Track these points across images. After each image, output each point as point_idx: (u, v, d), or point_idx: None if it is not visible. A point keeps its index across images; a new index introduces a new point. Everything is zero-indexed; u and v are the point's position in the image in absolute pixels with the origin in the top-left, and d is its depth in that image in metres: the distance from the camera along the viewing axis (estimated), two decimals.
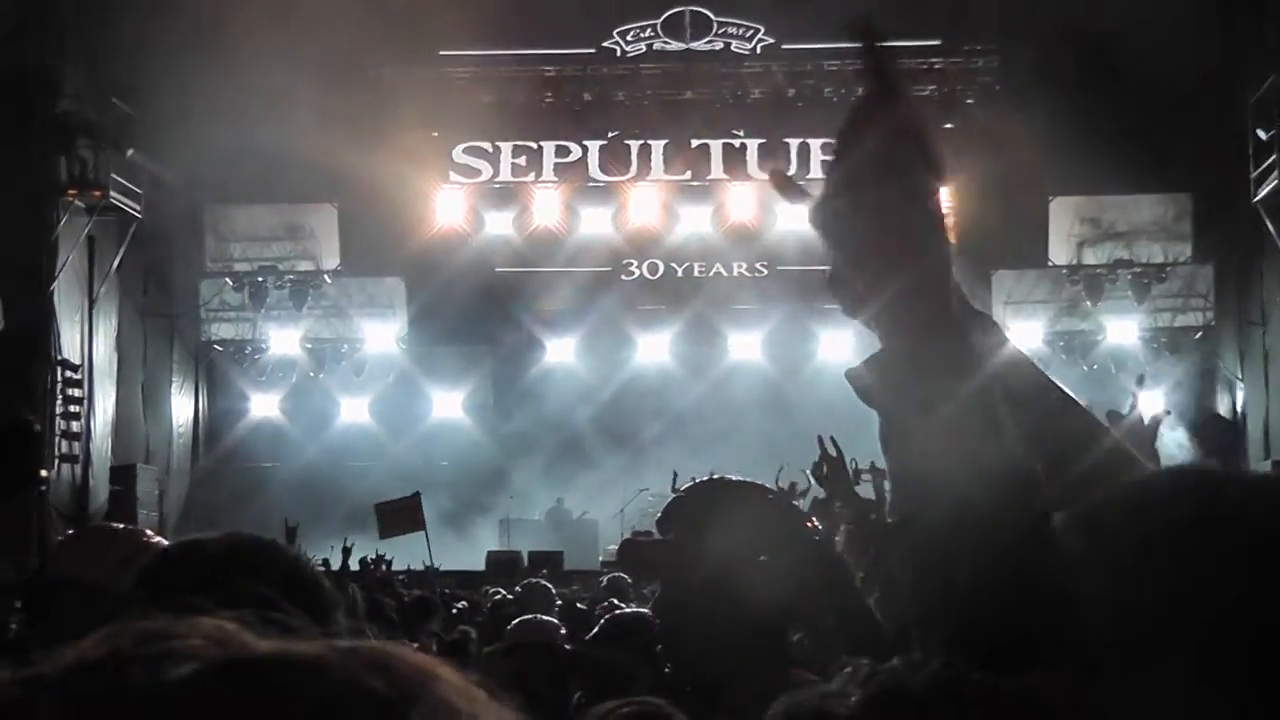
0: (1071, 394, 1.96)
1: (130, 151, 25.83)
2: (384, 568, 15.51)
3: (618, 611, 4.60)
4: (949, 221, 1.64)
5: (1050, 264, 28.64)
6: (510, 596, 11.90)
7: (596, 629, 4.50)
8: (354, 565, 15.24)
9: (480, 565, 22.50)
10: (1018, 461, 1.50)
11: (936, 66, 29.02)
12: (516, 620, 7.16)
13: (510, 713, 0.82)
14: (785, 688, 3.01)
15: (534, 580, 11.64)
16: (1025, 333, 28.22)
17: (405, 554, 18.74)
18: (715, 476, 3.31)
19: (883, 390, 1.59)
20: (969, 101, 29.06)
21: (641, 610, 4.63)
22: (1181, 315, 28.54)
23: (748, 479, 3.26)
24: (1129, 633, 1.34)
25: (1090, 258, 28.51)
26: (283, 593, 2.07)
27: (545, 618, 6.99)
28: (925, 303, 1.60)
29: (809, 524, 3.24)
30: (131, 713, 0.72)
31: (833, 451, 5.41)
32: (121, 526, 3.87)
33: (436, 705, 0.77)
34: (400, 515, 18.89)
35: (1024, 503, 1.46)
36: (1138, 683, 1.29)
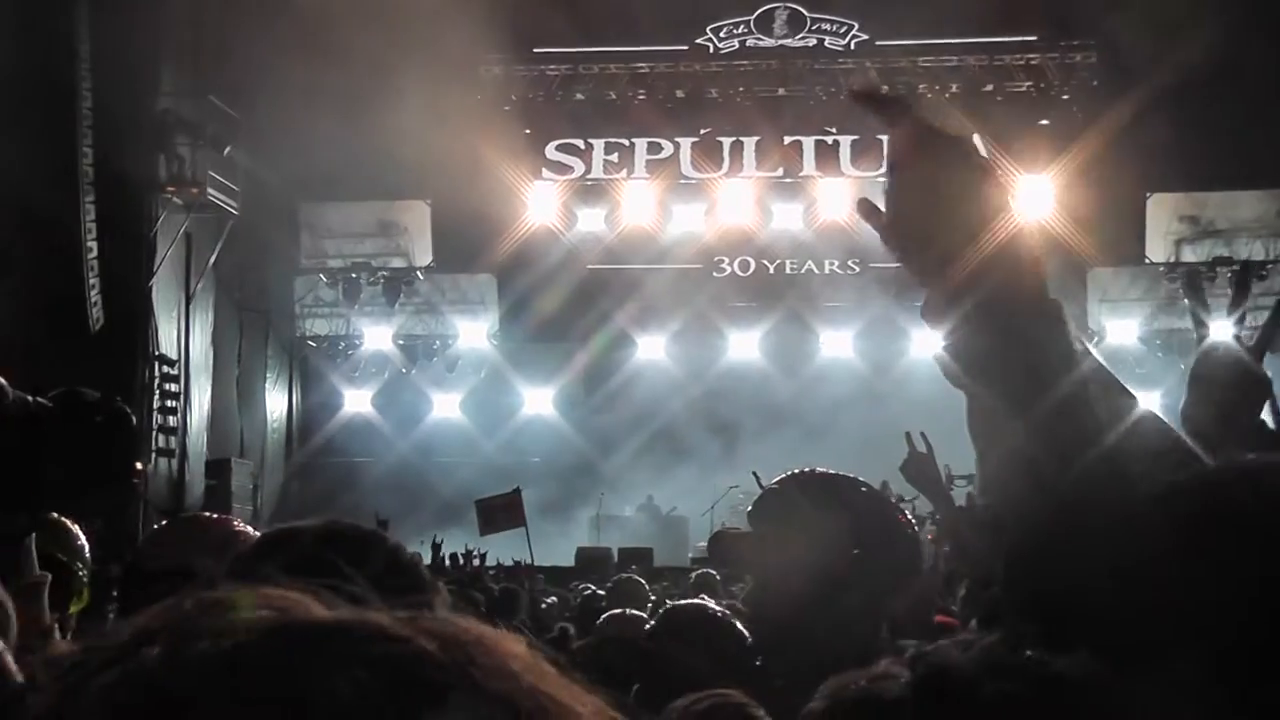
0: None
1: (228, 149, 26.12)
2: (476, 562, 15.54)
3: (675, 604, 4.55)
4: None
5: (1147, 261, 28.28)
6: (600, 592, 11.89)
7: (653, 622, 4.45)
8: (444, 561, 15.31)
9: (571, 561, 22.55)
10: (1108, 453, 1.48)
11: (1034, 63, 28.77)
12: (606, 615, 7.15)
13: (568, 681, 0.82)
14: None
15: (626, 576, 11.62)
16: (1121, 331, 27.98)
17: (501, 550, 18.81)
18: (806, 469, 3.25)
19: (978, 370, 1.57)
20: (1065, 98, 28.77)
21: (700, 602, 4.58)
22: None
23: (839, 471, 3.21)
24: (1167, 620, 1.33)
25: (1189, 255, 28.12)
26: (379, 580, 2.05)
27: (635, 612, 6.95)
28: (1014, 286, 1.60)
29: (902, 517, 3.18)
30: (190, 675, 0.73)
31: (921, 447, 5.34)
32: (213, 516, 3.90)
33: (493, 670, 0.78)
34: (501, 512, 18.94)
35: (1114, 494, 1.44)
36: (1168, 672, 1.28)
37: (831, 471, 3.22)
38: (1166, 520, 1.41)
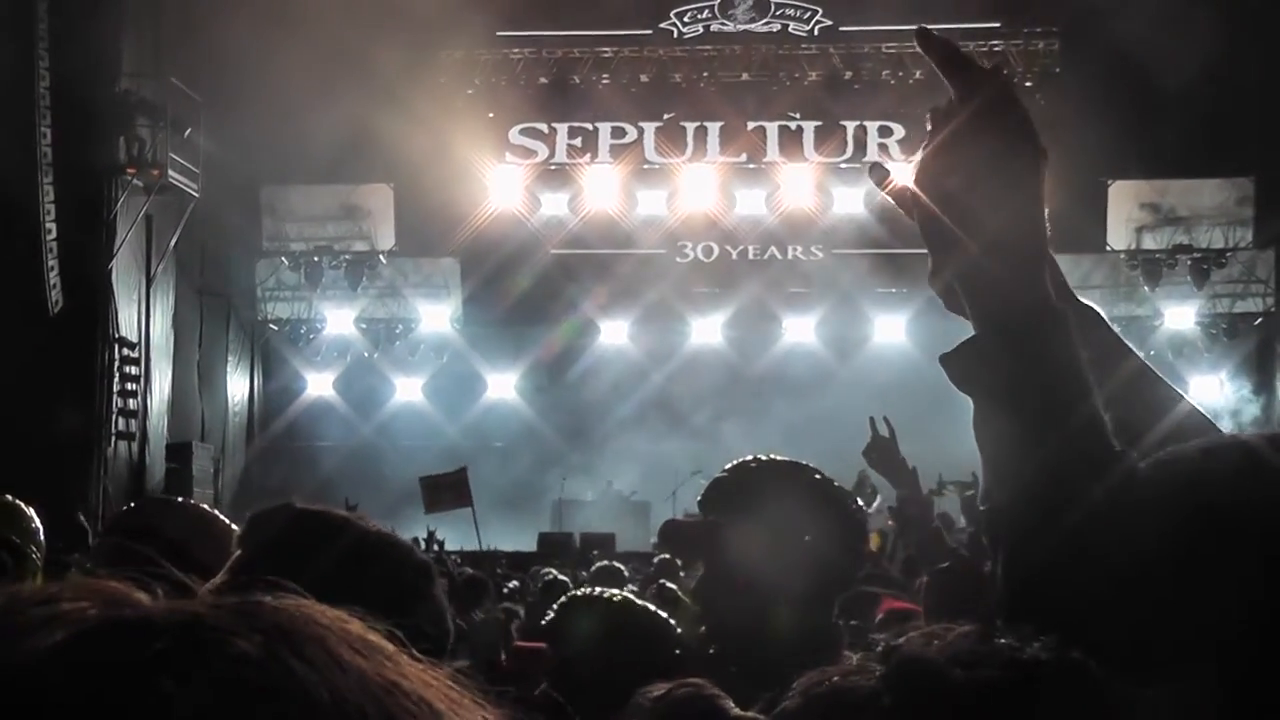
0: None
1: (189, 131, 25.95)
2: (435, 547, 15.53)
3: (572, 594, 4.50)
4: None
5: (1109, 249, 28.41)
6: (562, 578, 11.89)
7: (550, 615, 4.38)
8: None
9: (532, 546, 22.55)
10: (1119, 455, 1.48)
11: (996, 49, 28.81)
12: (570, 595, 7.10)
13: (397, 650, 0.77)
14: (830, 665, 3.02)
15: (606, 564, 11.62)
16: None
17: (461, 533, 18.81)
18: (757, 456, 3.25)
19: (978, 377, 1.53)
20: (1028, 84, 28.81)
21: (594, 593, 4.52)
22: (1241, 301, 28.28)
23: (791, 458, 3.21)
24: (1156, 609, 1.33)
25: (1149, 243, 28.28)
26: (347, 571, 2.03)
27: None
28: (1024, 280, 1.55)
29: (854, 504, 3.19)
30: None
31: (884, 432, 5.35)
32: (189, 500, 3.87)
33: (323, 662, 0.71)
34: (446, 490, 18.89)
35: (1119, 493, 1.43)
36: (1152, 670, 1.28)
37: (782, 458, 3.22)
38: (1137, 497, 1.41)
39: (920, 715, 1.13)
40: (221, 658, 0.70)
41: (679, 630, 4.06)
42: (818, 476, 3.16)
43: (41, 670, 0.68)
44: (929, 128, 1.71)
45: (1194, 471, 1.43)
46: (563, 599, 4.32)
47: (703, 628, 3.17)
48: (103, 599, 0.74)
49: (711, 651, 3.13)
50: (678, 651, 3.98)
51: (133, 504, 4.26)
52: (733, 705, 2.35)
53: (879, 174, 1.76)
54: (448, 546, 16.92)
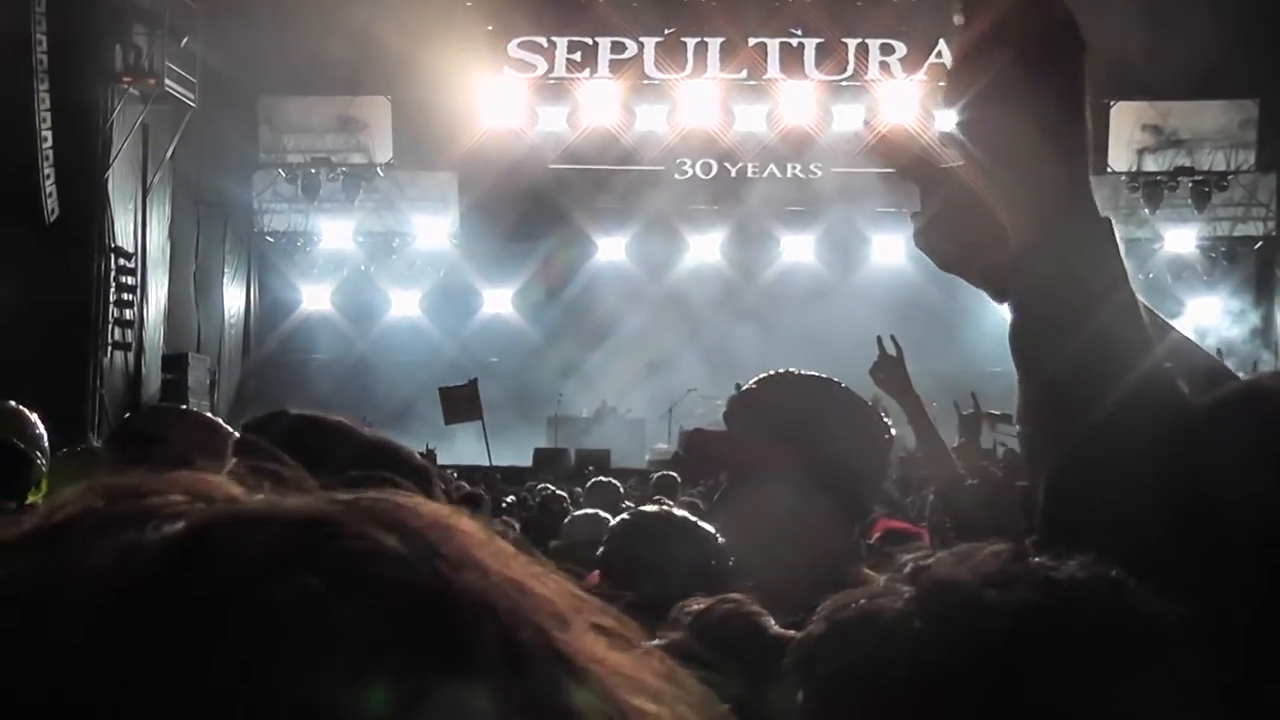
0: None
1: (186, 40, 25.77)
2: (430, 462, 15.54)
3: (637, 509, 4.50)
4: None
5: (1109, 170, 28.27)
6: (560, 493, 11.91)
7: (614, 526, 4.38)
8: None
9: (527, 461, 22.60)
10: (1163, 371, 1.45)
11: None
12: (578, 514, 7.09)
13: (532, 563, 0.73)
14: (854, 585, 2.99)
15: (603, 479, 11.58)
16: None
17: (457, 450, 18.83)
18: (783, 370, 3.23)
19: (1028, 287, 1.49)
20: None
21: (663, 508, 4.53)
22: (1241, 224, 28.24)
23: (819, 373, 3.19)
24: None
25: (1151, 165, 28.18)
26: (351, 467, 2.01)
27: (604, 514, 6.89)
28: (1076, 185, 1.53)
29: (880, 419, 3.16)
30: (105, 580, 0.63)
31: (891, 351, 5.32)
32: (183, 407, 3.87)
33: (459, 562, 0.68)
34: (463, 402, 18.92)
35: (1169, 412, 1.41)
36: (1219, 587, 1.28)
37: (808, 372, 3.18)
38: (1217, 434, 1.39)
39: (953, 638, 1.11)
40: (362, 554, 0.66)
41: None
42: (841, 391, 3.12)
43: (159, 564, 0.64)
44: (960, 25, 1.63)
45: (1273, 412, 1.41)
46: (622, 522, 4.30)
47: (723, 540, 3.15)
48: (195, 492, 0.69)
49: (731, 564, 3.09)
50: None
51: (137, 411, 4.24)
52: (772, 621, 2.34)
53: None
54: (452, 460, 16.92)
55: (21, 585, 0.63)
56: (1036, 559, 1.16)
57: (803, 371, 3.18)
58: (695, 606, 2.44)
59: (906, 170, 1.60)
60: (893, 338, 5.32)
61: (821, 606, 1.23)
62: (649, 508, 4.50)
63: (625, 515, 4.42)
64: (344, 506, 0.69)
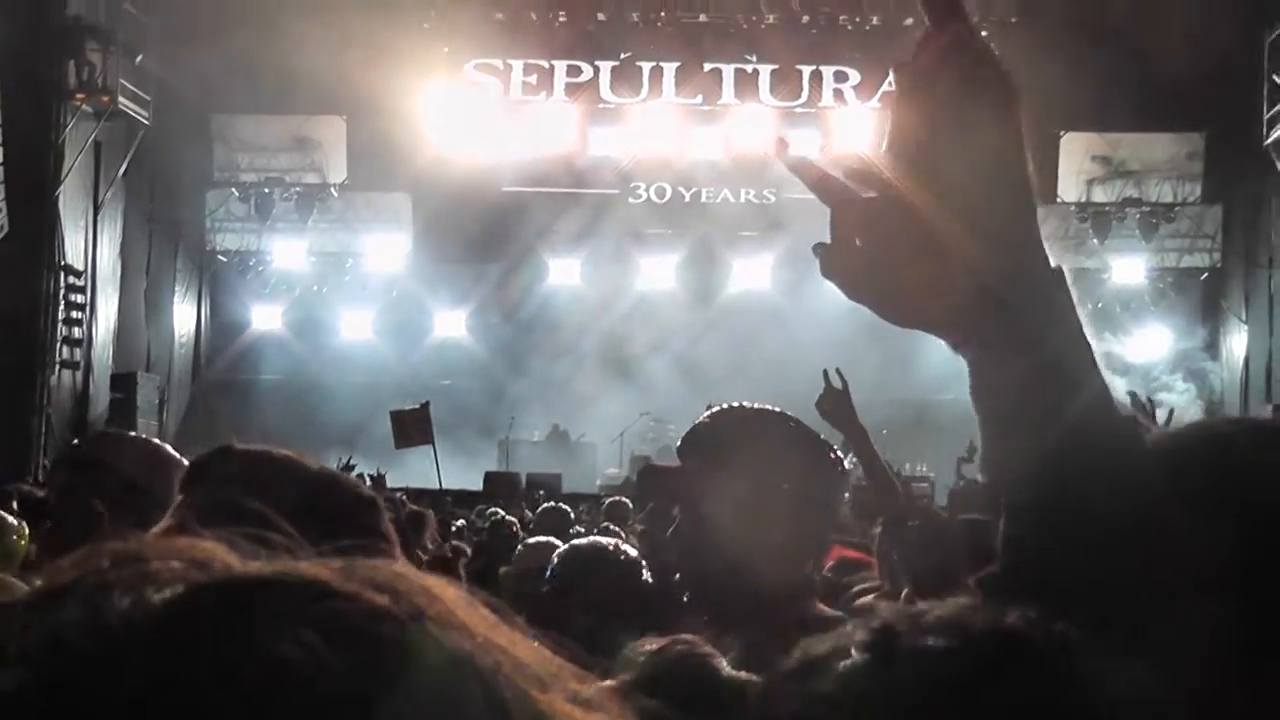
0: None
1: (140, 58, 25.69)
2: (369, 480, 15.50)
3: (573, 543, 4.58)
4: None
5: (1059, 200, 28.51)
6: (509, 518, 11.90)
7: (553, 563, 4.45)
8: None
9: (478, 484, 22.56)
10: (1114, 403, 1.45)
11: None
12: (531, 542, 7.11)
13: (518, 632, 0.78)
14: (805, 618, 2.99)
15: (551, 505, 11.60)
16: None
17: (407, 474, 18.76)
18: (736, 404, 3.25)
19: (985, 342, 1.48)
20: (984, 34, 28.71)
21: (596, 540, 4.60)
22: (1188, 255, 28.51)
23: (770, 406, 3.22)
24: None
25: (1100, 195, 28.43)
26: (309, 517, 2.01)
27: (555, 541, 6.93)
28: (1022, 235, 1.50)
29: (833, 453, 3.19)
30: (109, 642, 0.66)
31: (837, 384, 5.36)
32: (130, 434, 3.87)
33: (446, 624, 0.72)
34: (413, 425, 18.84)
35: (1123, 446, 1.42)
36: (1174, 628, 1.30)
37: (761, 406, 3.20)
38: (1174, 474, 1.41)
39: (907, 686, 1.13)
40: (358, 614, 0.69)
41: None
42: (795, 425, 3.15)
43: (159, 625, 0.67)
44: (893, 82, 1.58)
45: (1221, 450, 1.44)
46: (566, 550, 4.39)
47: (677, 575, 3.18)
48: (193, 558, 0.72)
49: (685, 599, 3.13)
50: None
51: (85, 435, 4.25)
52: (725, 664, 2.36)
53: (780, 147, 1.66)
54: (402, 482, 16.85)
55: (32, 646, 0.66)
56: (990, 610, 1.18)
57: (755, 405, 3.21)
58: (648, 647, 2.46)
59: (817, 186, 1.57)
60: (838, 371, 5.36)
61: (795, 649, 1.25)
62: (581, 540, 4.56)
63: (563, 547, 4.47)
64: (338, 571, 0.73)
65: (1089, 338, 1.47)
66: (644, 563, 4.34)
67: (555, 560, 4.42)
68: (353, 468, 11.24)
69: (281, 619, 0.67)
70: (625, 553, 4.38)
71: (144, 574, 0.70)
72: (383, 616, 0.70)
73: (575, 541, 4.64)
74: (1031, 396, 1.42)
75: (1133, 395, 5.59)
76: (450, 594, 0.75)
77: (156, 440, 3.80)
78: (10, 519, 5.92)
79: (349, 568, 0.74)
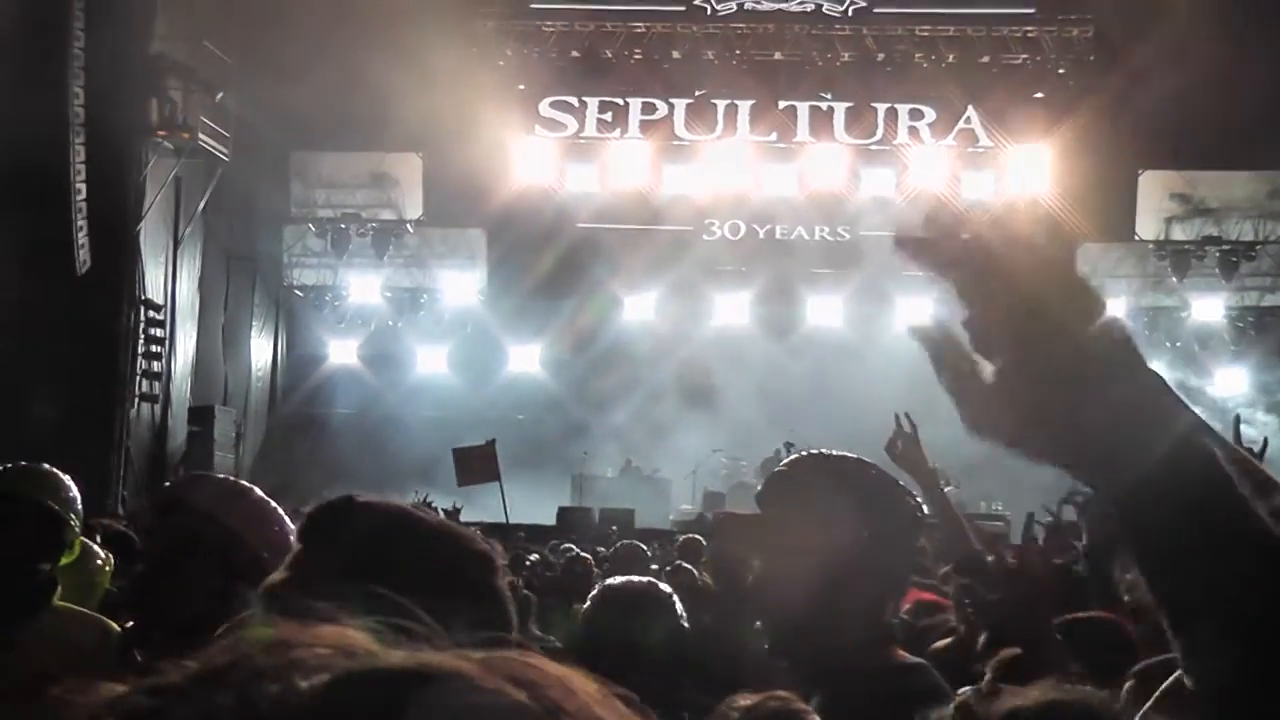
0: None
1: (220, 95, 25.99)
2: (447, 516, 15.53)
3: (614, 582, 4.53)
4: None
5: (1137, 238, 28.31)
6: (583, 555, 11.88)
7: (590, 600, 4.42)
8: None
9: (552, 520, 22.57)
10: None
11: (1030, 35, 28.71)
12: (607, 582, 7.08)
13: (627, 707, 0.79)
14: (886, 666, 3.02)
15: (627, 542, 11.56)
16: (1108, 307, 28.02)
17: (478, 509, 18.80)
18: (816, 451, 3.25)
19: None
20: (1061, 71, 28.71)
21: (647, 580, 4.56)
22: (1270, 295, 28.18)
23: (848, 453, 3.20)
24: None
25: (1179, 233, 28.16)
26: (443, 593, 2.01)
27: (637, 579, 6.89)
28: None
29: (911, 499, 3.18)
30: None
31: (907, 428, 5.32)
32: (247, 483, 3.90)
33: (580, 717, 0.74)
34: (477, 462, 18.86)
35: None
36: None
37: (841, 453, 3.19)
38: None
39: None
40: (495, 708, 0.72)
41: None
42: (875, 472, 3.14)
43: (318, 711, 0.70)
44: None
45: None
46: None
47: (758, 623, 3.17)
48: (338, 646, 0.74)
49: (766, 647, 3.12)
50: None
51: (188, 478, 4.30)
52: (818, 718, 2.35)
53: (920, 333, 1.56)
54: (473, 516, 16.87)
55: (221, 715, 0.69)
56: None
57: (833, 451, 3.20)
58: (743, 703, 2.46)
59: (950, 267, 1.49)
60: (907, 415, 5.32)
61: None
62: (617, 580, 4.54)
63: (599, 590, 4.44)
64: (477, 663, 0.75)
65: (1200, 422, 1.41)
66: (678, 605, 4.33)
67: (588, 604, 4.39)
68: (430, 504, 11.26)
69: (426, 712, 0.69)
70: (659, 595, 4.36)
71: (292, 661, 0.72)
72: (523, 712, 0.72)
73: (609, 582, 4.60)
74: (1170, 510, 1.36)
75: (1236, 420, 5.51)
76: (586, 688, 0.77)
77: (246, 484, 3.83)
78: (96, 549, 5.98)
79: (489, 660, 0.76)
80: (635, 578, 4.66)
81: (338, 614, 0.80)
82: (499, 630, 2.09)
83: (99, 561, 5.86)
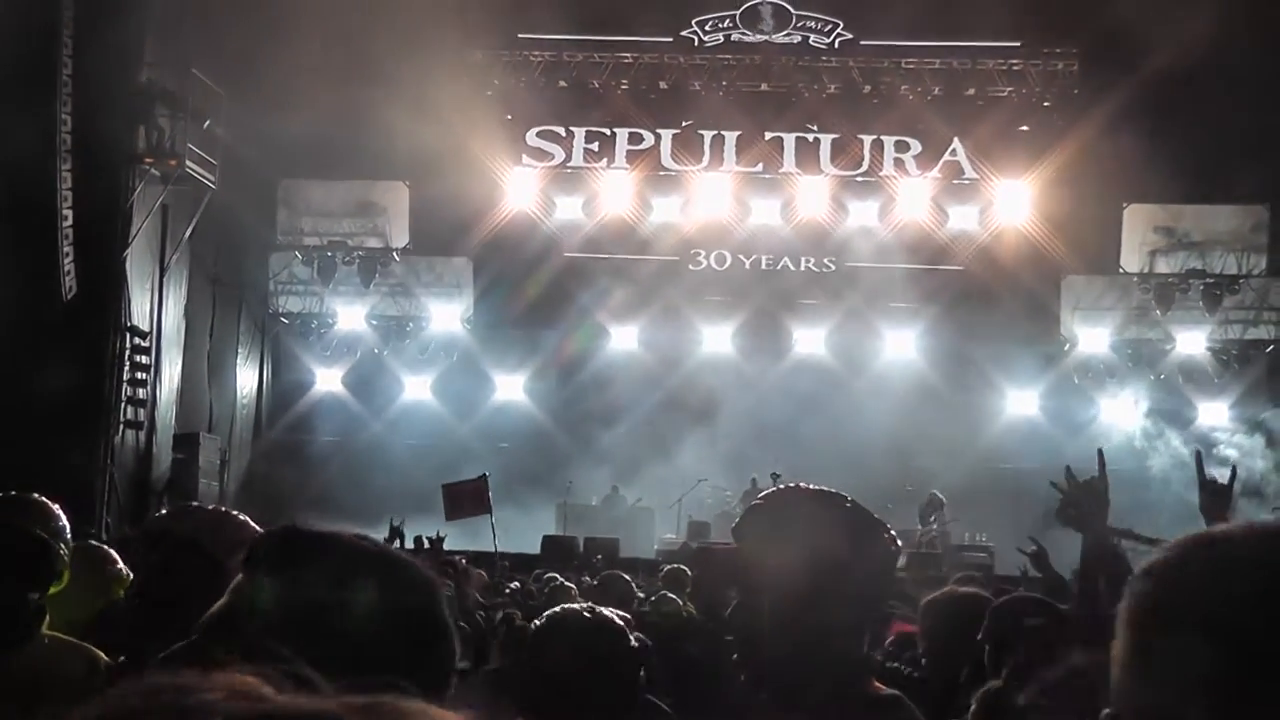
0: None
1: (208, 122, 26.00)
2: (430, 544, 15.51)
3: (556, 610, 4.47)
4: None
5: (1121, 271, 28.40)
6: (568, 584, 11.87)
7: (535, 626, 4.37)
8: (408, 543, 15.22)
9: (536, 549, 22.53)
10: None
11: (1016, 68, 28.83)
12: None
13: None
14: (864, 698, 3.05)
15: (612, 573, 11.53)
16: (1093, 338, 28.16)
17: (464, 538, 18.77)
18: (793, 485, 3.29)
19: None
20: (1046, 104, 28.83)
21: (576, 608, 4.50)
22: (1253, 328, 28.26)
23: (825, 488, 3.23)
24: None
25: (1162, 266, 28.24)
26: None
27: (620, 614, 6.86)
28: None
29: (887, 534, 3.20)
30: None
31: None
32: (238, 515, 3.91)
33: None
34: (467, 498, 18.82)
35: None
36: None
37: (818, 487, 3.23)
38: None
39: None
40: None
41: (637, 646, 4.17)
42: (852, 506, 3.17)
43: None
44: None
45: None
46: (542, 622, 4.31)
47: (735, 655, 3.19)
48: (233, 691, 0.76)
49: (743, 679, 3.14)
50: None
51: (178, 510, 4.31)
52: None
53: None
54: (460, 545, 16.84)
55: None
56: None
57: (810, 486, 3.23)
58: None
59: None
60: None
61: None
62: (564, 608, 4.48)
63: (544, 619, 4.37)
64: (358, 708, 0.77)
65: None
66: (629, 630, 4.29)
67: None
68: (400, 528, 11.16)
69: None
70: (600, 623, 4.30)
71: (181, 709, 0.74)
72: None
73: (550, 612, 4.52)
74: None
75: (1198, 454, 5.45)
76: None
77: (234, 514, 3.85)
78: (114, 553, 5.97)
79: (371, 705, 0.77)
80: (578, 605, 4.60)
81: (235, 660, 0.80)
82: (440, 659, 2.13)
83: (117, 566, 5.84)
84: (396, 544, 10.72)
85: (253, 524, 3.70)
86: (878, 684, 3.18)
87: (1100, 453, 4.74)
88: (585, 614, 4.26)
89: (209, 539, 3.59)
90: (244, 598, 2.19)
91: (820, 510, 3.15)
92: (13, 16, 21.08)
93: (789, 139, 29.82)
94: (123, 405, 24.37)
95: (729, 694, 3.27)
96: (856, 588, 3.07)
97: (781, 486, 3.34)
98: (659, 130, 30.01)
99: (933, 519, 23.98)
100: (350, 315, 29.97)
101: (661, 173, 30.01)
